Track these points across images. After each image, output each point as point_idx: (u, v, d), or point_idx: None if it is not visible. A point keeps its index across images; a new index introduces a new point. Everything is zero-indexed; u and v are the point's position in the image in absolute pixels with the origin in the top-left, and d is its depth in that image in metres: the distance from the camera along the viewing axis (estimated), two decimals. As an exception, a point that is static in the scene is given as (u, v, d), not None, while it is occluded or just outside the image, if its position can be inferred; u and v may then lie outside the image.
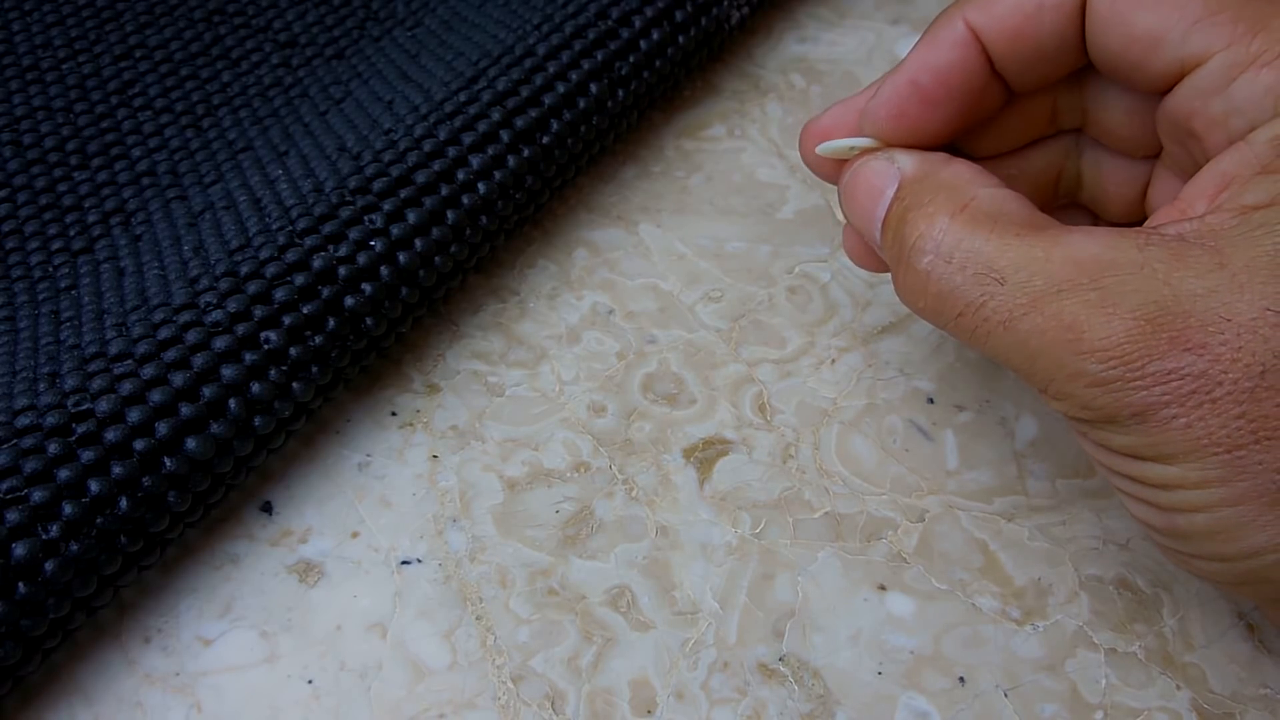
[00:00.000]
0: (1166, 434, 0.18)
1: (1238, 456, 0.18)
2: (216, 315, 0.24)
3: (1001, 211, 0.20)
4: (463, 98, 0.29)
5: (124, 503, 0.22)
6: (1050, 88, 0.23)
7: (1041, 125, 0.24)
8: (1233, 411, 0.17)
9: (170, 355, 0.23)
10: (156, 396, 0.23)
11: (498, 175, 0.28)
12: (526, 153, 0.28)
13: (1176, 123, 0.20)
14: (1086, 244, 0.19)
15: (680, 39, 0.32)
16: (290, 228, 0.26)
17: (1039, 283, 0.19)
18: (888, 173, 0.22)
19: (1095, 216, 0.25)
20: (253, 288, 0.25)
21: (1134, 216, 0.24)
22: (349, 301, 0.25)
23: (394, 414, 0.27)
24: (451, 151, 0.28)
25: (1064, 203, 0.25)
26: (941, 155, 0.22)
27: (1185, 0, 0.19)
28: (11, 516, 0.21)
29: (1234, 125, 0.19)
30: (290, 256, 0.25)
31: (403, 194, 0.27)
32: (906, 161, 0.22)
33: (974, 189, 0.20)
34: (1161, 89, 0.20)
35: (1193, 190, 0.19)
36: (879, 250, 0.22)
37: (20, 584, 0.21)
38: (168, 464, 0.22)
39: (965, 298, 0.19)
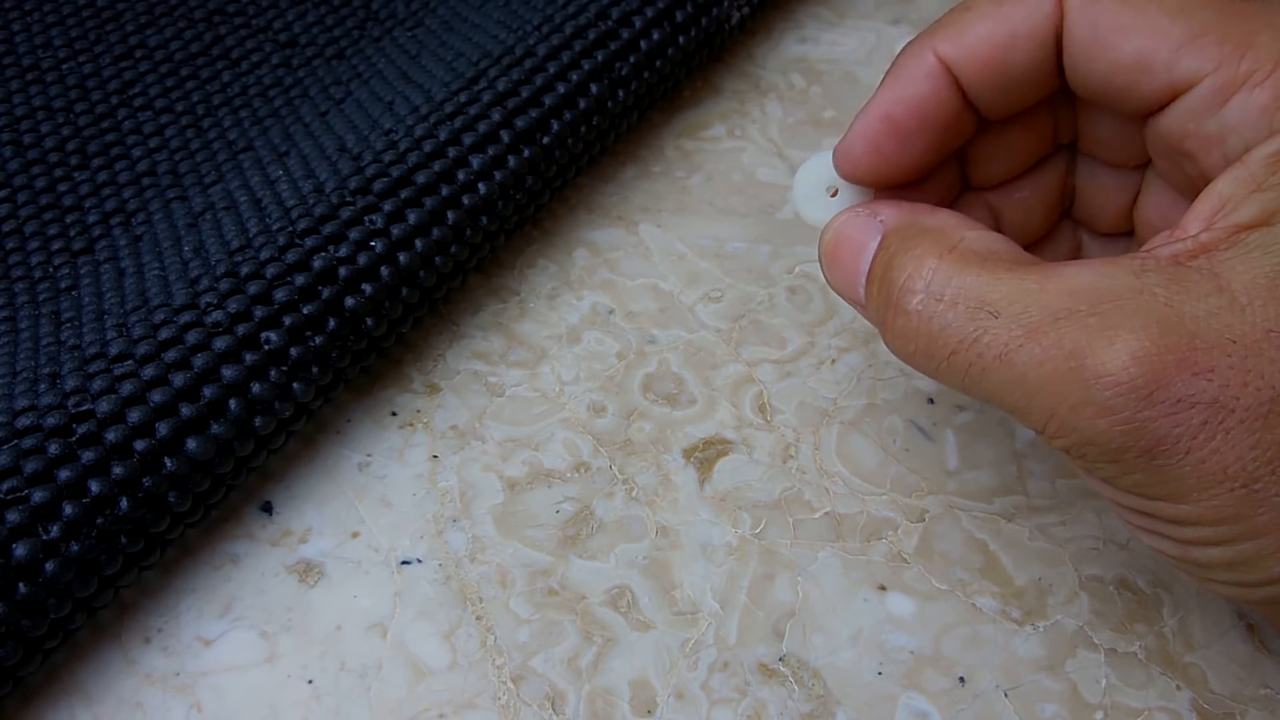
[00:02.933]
0: (1179, 470, 0.17)
1: (1254, 490, 0.17)
2: (217, 316, 0.24)
3: (990, 250, 0.19)
4: (463, 98, 0.29)
5: (124, 503, 0.22)
6: (1048, 107, 0.23)
7: (1046, 144, 0.23)
8: (1246, 442, 0.17)
9: (171, 356, 0.23)
10: (157, 397, 0.23)
11: (498, 175, 0.28)
12: (527, 153, 0.28)
13: (1169, 143, 0.20)
14: (1081, 274, 0.18)
15: (680, 39, 0.32)
16: (291, 228, 0.26)
17: (1035, 313, 0.18)
18: (869, 226, 0.21)
19: (1087, 231, 0.25)
20: (253, 288, 0.25)
21: (1124, 228, 0.23)
22: (349, 302, 0.25)
23: (394, 414, 0.27)
24: (452, 152, 0.28)
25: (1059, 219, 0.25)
26: (924, 205, 0.21)
27: (1168, 26, 0.19)
28: (12, 517, 0.21)
29: (1230, 145, 0.19)
30: (291, 257, 0.25)
31: (403, 194, 0.27)
32: (889, 212, 0.21)
33: (961, 231, 0.20)
34: (1148, 112, 0.20)
35: (1190, 216, 0.19)
36: (862, 309, 0.22)
37: (21, 584, 0.21)
38: (168, 464, 0.22)
39: (958, 334, 0.19)
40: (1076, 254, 0.25)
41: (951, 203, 0.23)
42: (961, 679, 0.23)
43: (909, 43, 0.22)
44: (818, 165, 0.23)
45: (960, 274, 0.19)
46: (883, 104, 0.21)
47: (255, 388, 0.24)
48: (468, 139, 0.28)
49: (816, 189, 0.23)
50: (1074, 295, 0.18)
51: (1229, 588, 0.19)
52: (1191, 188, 0.20)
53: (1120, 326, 0.17)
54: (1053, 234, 0.25)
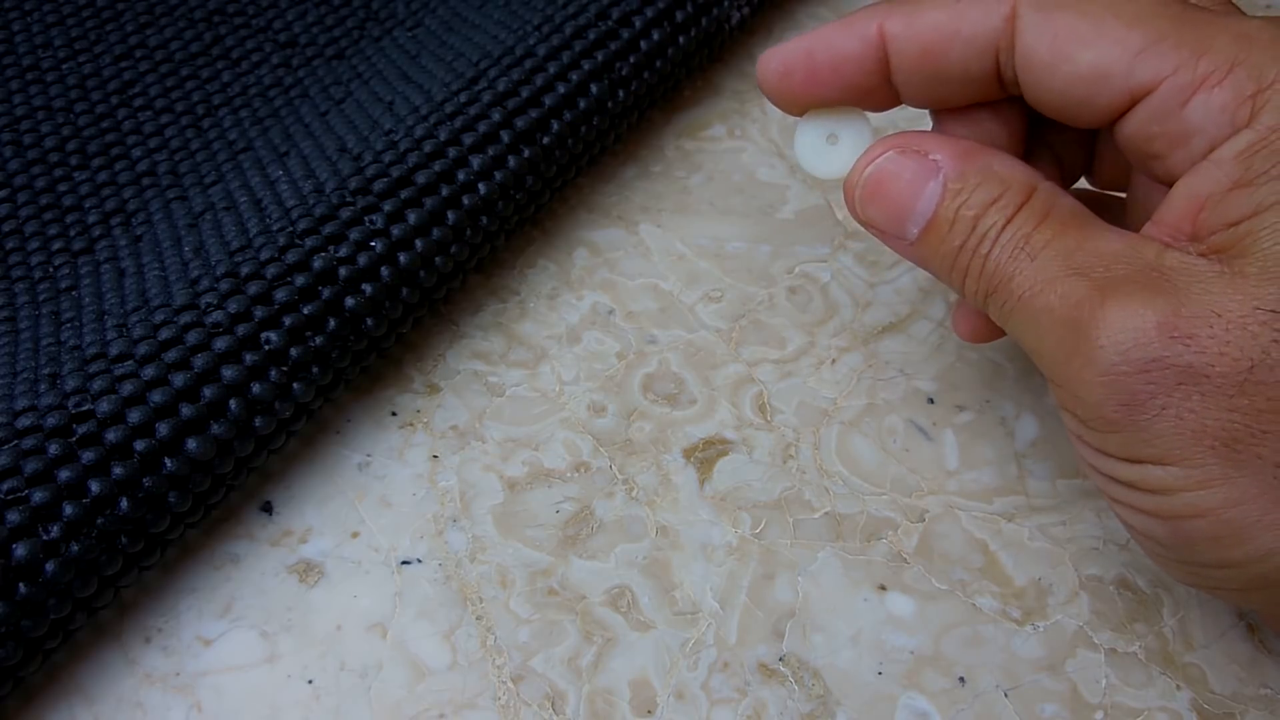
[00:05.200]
0: (1158, 426, 0.18)
1: (1235, 452, 0.18)
2: (217, 316, 0.24)
3: (1054, 204, 0.20)
4: (463, 98, 0.29)
5: (125, 503, 0.22)
6: None
7: None
8: (1223, 405, 0.18)
9: (171, 356, 0.23)
10: (157, 397, 0.23)
11: (498, 176, 0.28)
12: (527, 153, 0.28)
13: (1135, 147, 0.21)
14: (1115, 240, 0.19)
15: (681, 39, 0.32)
16: (291, 228, 0.26)
17: (1061, 264, 0.19)
18: (924, 167, 0.21)
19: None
20: (253, 288, 0.25)
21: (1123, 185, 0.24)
22: (349, 302, 0.25)
23: (394, 414, 0.27)
24: (452, 152, 0.28)
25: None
26: (973, 144, 0.22)
27: (1125, 34, 0.19)
28: (12, 517, 0.21)
29: (1194, 145, 0.19)
30: (291, 257, 0.25)
31: (403, 194, 0.27)
32: (946, 155, 0.21)
33: (1031, 181, 0.21)
34: (1108, 121, 0.21)
35: (1169, 214, 0.20)
36: (900, 244, 0.22)
37: (21, 584, 0.21)
38: (168, 465, 0.22)
39: (1001, 273, 0.20)
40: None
41: (1022, 141, 0.24)
42: (961, 679, 0.23)
43: (869, 4, 0.23)
44: (816, 118, 0.23)
45: (1022, 224, 0.20)
46: (813, 39, 0.23)
47: (255, 388, 0.24)
48: (468, 139, 0.28)
49: (818, 139, 0.23)
50: (1098, 256, 0.19)
51: (1219, 572, 0.19)
52: (1167, 180, 0.21)
53: (1118, 288, 0.18)
54: None
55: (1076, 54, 0.20)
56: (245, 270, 0.25)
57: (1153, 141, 0.20)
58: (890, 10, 0.22)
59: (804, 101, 0.23)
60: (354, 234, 0.26)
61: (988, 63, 0.21)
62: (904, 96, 0.23)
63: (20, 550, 0.21)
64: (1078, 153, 0.24)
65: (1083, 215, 0.20)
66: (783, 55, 0.23)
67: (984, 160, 0.21)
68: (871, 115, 0.23)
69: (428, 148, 0.28)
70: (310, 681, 0.23)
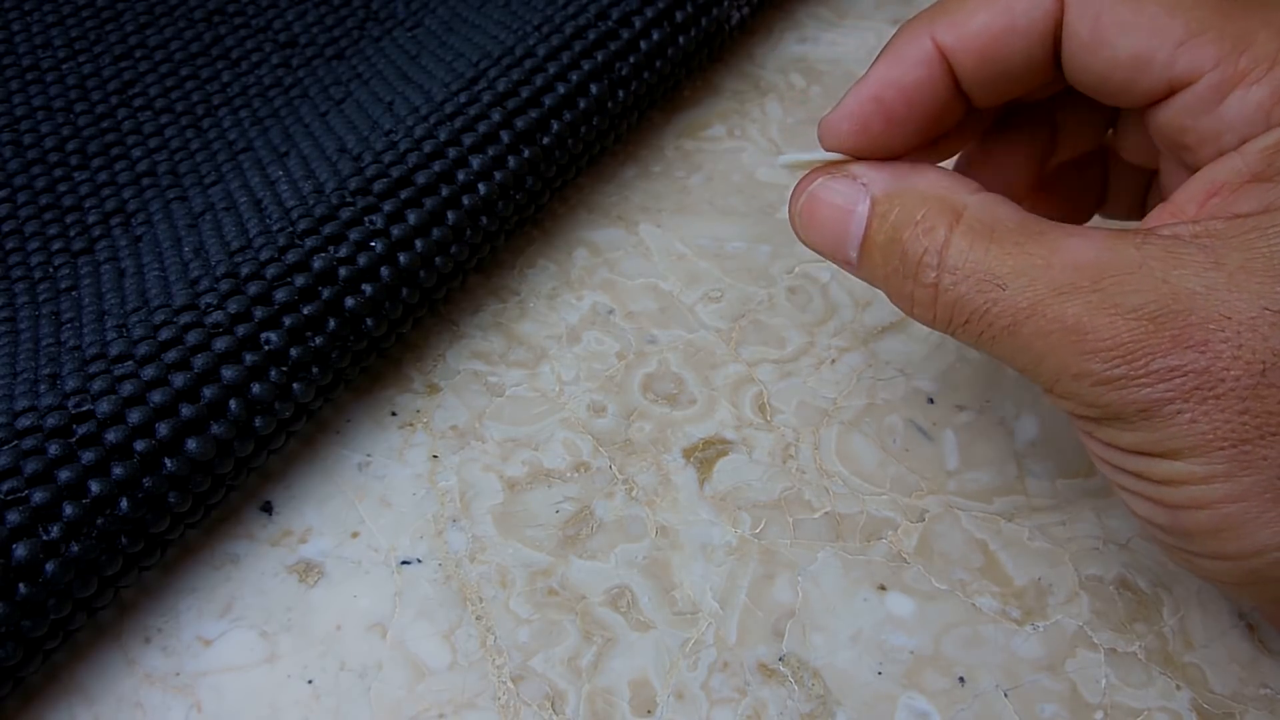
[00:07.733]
0: (1173, 429, 0.18)
1: (1244, 451, 0.18)
2: (217, 316, 0.24)
3: (995, 218, 0.20)
4: (463, 99, 0.29)
5: (124, 503, 0.22)
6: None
7: (1098, 136, 0.24)
8: (1236, 407, 0.18)
9: (171, 356, 0.23)
10: (157, 397, 0.23)
11: (498, 176, 0.28)
12: (527, 153, 0.28)
13: (1168, 135, 0.21)
14: (1084, 248, 0.19)
15: (680, 40, 0.32)
16: (291, 229, 0.26)
17: (1040, 287, 0.19)
18: (852, 191, 0.21)
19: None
20: (253, 289, 0.25)
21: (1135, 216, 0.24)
22: (349, 302, 0.25)
23: (394, 414, 0.27)
24: (452, 152, 0.28)
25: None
26: (904, 164, 0.22)
27: (1167, 22, 0.19)
28: (12, 517, 0.21)
29: (1226, 141, 0.19)
30: (291, 257, 0.25)
31: (403, 195, 0.27)
32: (874, 176, 0.21)
33: (960, 196, 0.20)
34: (1147, 105, 0.21)
35: (1183, 195, 0.20)
36: (849, 268, 0.22)
37: (21, 585, 0.21)
38: (168, 465, 0.22)
39: (970, 306, 0.20)
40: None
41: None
42: (961, 679, 0.23)
43: (907, 22, 0.22)
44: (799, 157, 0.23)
45: (970, 248, 0.20)
46: (874, 85, 0.22)
47: (255, 388, 0.24)
48: (468, 139, 0.28)
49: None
50: (1077, 270, 0.19)
51: (1216, 563, 0.19)
52: (1194, 169, 0.21)
53: (1120, 303, 0.18)
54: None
55: (1117, 39, 0.20)
56: (245, 270, 0.25)
57: (1185, 133, 0.20)
58: (933, 22, 0.21)
59: (890, 151, 0.22)
60: (354, 234, 0.26)
61: (1048, 46, 0.21)
62: (975, 102, 0.22)
63: (20, 550, 0.21)
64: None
65: (1033, 223, 0.20)
66: (852, 113, 0.22)
67: (911, 179, 0.21)
68: None
69: (428, 148, 0.28)
70: (310, 681, 0.23)
